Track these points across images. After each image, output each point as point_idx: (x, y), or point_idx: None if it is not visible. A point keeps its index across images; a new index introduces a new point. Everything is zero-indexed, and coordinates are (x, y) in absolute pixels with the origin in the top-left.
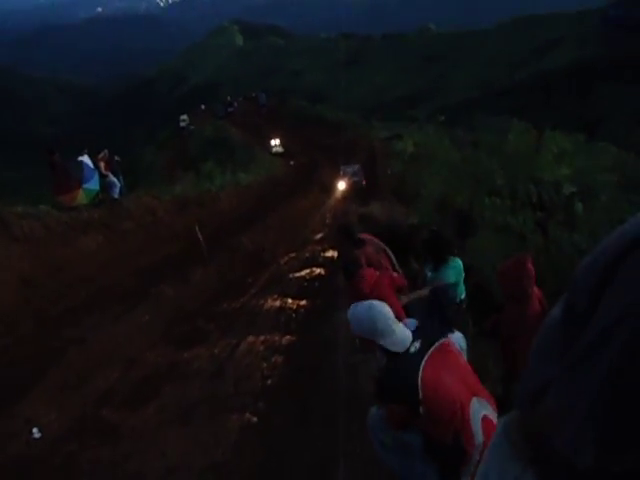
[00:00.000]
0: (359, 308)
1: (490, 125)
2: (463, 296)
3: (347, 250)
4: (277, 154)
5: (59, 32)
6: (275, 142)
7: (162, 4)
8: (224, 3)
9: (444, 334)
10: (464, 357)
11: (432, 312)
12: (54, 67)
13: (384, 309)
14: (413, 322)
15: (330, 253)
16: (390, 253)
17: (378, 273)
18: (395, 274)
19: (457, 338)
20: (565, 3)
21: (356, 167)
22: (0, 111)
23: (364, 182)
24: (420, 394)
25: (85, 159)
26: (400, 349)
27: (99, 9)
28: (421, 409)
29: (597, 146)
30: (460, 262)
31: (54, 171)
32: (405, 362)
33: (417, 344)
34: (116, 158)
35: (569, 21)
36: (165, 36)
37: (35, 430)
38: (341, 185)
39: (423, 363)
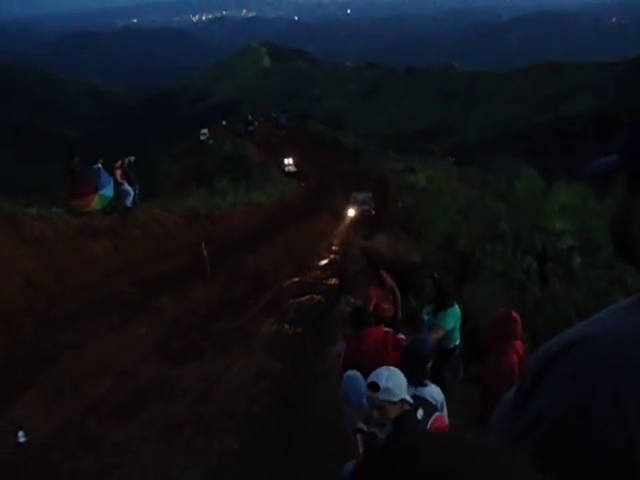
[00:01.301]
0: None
1: (504, 166)
2: (458, 342)
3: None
4: (290, 173)
5: (93, 38)
6: (288, 161)
7: (195, 20)
8: (255, 25)
9: (413, 386)
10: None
11: (404, 363)
12: (84, 71)
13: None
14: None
15: (332, 281)
16: (397, 294)
17: (386, 332)
18: (401, 335)
19: (430, 391)
20: (585, 54)
21: (367, 195)
22: (27, 110)
23: (374, 212)
24: None
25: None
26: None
27: (134, 20)
28: None
29: (605, 200)
30: (458, 310)
31: (72, 175)
32: (414, 426)
33: (421, 411)
34: (131, 159)
35: (588, 71)
36: (194, 51)
37: (21, 434)
38: (351, 212)
39: (428, 429)
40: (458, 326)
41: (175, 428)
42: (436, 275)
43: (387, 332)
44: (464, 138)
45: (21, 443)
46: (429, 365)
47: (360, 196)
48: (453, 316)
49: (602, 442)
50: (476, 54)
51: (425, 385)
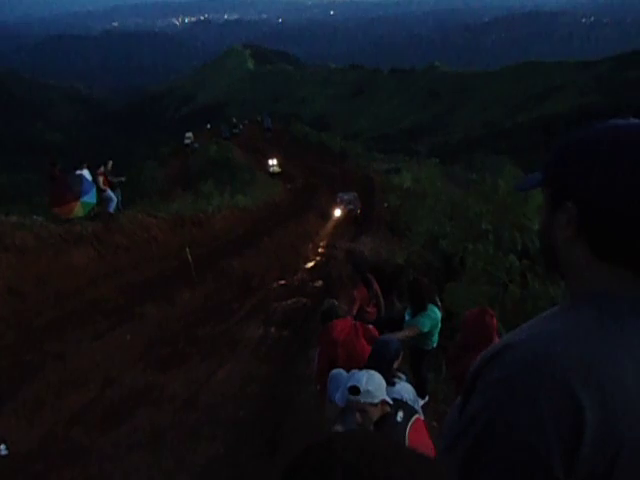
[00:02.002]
0: (359, 376)
1: (488, 165)
2: (435, 344)
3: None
4: (274, 173)
5: (74, 42)
6: (272, 162)
7: (178, 24)
8: (238, 27)
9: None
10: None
11: (369, 365)
12: (65, 75)
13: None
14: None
15: (319, 283)
16: (381, 299)
17: (354, 323)
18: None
19: (399, 390)
20: (566, 53)
21: (353, 195)
22: (7, 115)
23: (359, 211)
24: None
25: (85, 173)
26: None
27: (115, 23)
28: None
29: None
30: (437, 313)
31: (53, 182)
32: (393, 428)
33: (401, 414)
34: (109, 163)
35: (570, 70)
36: (178, 55)
37: (2, 447)
38: (337, 212)
39: (407, 432)
40: (436, 329)
41: (161, 435)
42: (411, 278)
43: (355, 323)
44: (449, 138)
45: (3, 456)
46: (395, 365)
47: (346, 196)
48: (429, 318)
49: (522, 445)
50: (459, 54)
51: (393, 384)
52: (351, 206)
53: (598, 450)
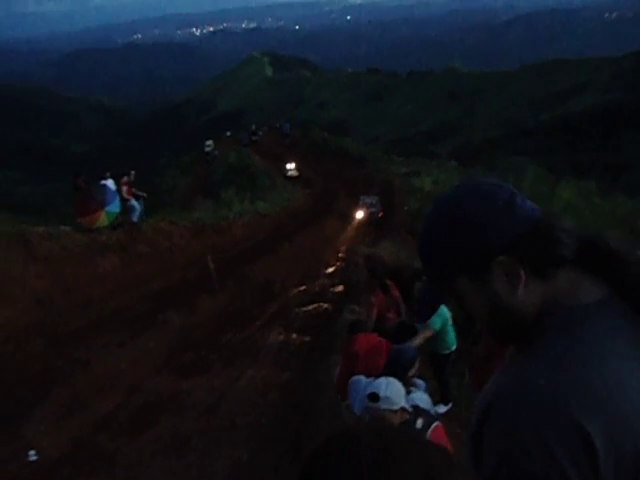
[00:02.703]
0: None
1: (510, 166)
2: (454, 347)
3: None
4: (292, 177)
5: (97, 55)
6: (290, 166)
7: (197, 34)
8: (256, 36)
9: None
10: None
11: (385, 373)
12: (90, 88)
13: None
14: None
15: (339, 289)
16: (401, 304)
17: (380, 339)
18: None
19: (414, 398)
20: (588, 50)
21: (375, 199)
22: (35, 128)
23: (381, 214)
24: None
25: (109, 183)
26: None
27: (138, 35)
28: None
29: (611, 197)
30: (445, 310)
31: (79, 193)
32: None
33: (420, 421)
34: (132, 173)
35: (593, 67)
36: (197, 65)
37: (32, 453)
38: (359, 214)
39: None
40: (451, 330)
41: (184, 442)
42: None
43: (381, 339)
44: (469, 139)
45: (32, 462)
46: (410, 373)
47: (368, 199)
48: (437, 316)
49: None
50: (478, 55)
51: (409, 392)
52: (373, 209)
53: (617, 469)
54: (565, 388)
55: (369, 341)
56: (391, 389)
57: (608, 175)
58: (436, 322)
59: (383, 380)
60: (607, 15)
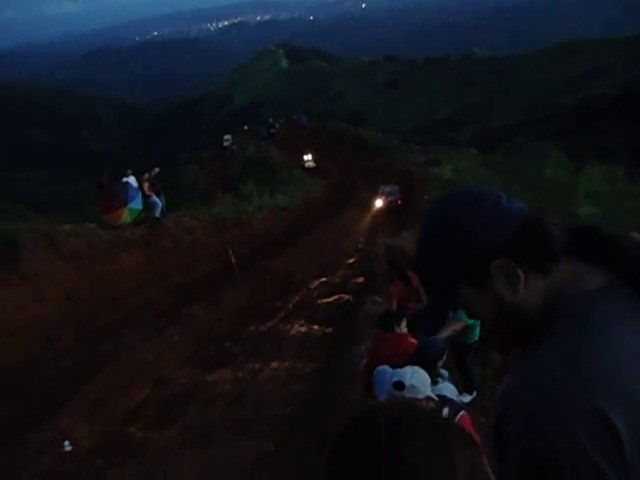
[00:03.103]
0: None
1: (531, 151)
2: (477, 338)
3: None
4: (309, 169)
5: (115, 54)
6: (307, 157)
7: (212, 29)
8: (271, 28)
9: None
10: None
11: (411, 362)
12: (110, 86)
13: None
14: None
15: (360, 279)
16: (422, 295)
17: (410, 341)
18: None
19: (441, 389)
20: (612, 29)
21: (394, 187)
22: (58, 128)
23: (400, 202)
24: None
25: (131, 180)
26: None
27: (155, 33)
28: None
29: (637, 182)
30: None
31: (102, 191)
32: None
33: (446, 410)
34: (156, 170)
35: (617, 47)
36: (213, 59)
37: (67, 443)
38: (379, 203)
39: None
40: (477, 321)
41: (211, 432)
42: None
43: (411, 343)
44: (489, 125)
45: (67, 452)
46: (439, 364)
47: (387, 188)
48: None
49: (575, 476)
50: (498, 38)
51: (436, 383)
52: (392, 197)
53: (638, 457)
54: (582, 375)
55: (396, 342)
56: (417, 378)
57: (636, 160)
58: (464, 315)
59: (408, 369)
60: None
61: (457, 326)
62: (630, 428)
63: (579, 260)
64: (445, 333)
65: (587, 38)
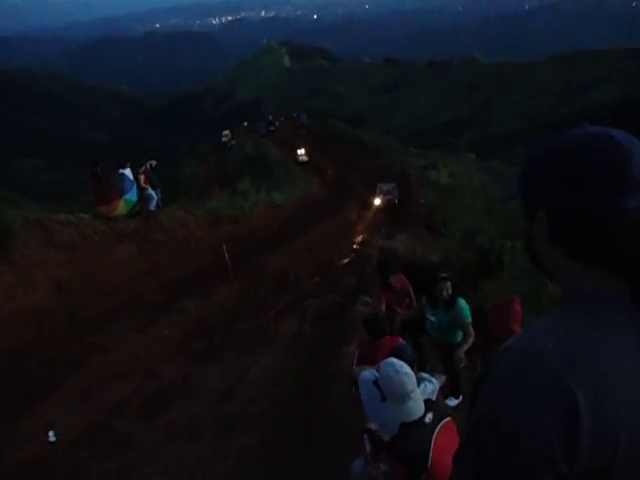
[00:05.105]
0: (389, 367)
1: None
2: (460, 339)
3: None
4: (302, 162)
5: (117, 44)
6: (301, 151)
7: (215, 23)
8: (275, 25)
9: None
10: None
11: None
12: (109, 77)
13: (412, 377)
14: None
15: (353, 280)
16: (413, 299)
17: (401, 342)
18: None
19: (425, 391)
20: (613, 40)
21: (392, 186)
22: (56, 116)
23: (397, 201)
24: (429, 462)
25: (127, 172)
26: (409, 418)
27: (157, 25)
28: (424, 476)
29: None
30: (464, 301)
31: (98, 182)
32: (420, 430)
33: (430, 415)
34: (152, 163)
35: (617, 58)
36: (216, 54)
37: (51, 434)
38: (377, 201)
39: (435, 434)
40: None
41: (197, 427)
42: (445, 275)
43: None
44: (488, 131)
45: (52, 442)
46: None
47: (385, 187)
48: (467, 308)
49: (527, 441)
50: (500, 45)
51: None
52: (389, 196)
53: (597, 443)
54: (568, 357)
55: (390, 344)
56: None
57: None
58: (468, 315)
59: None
60: (635, 3)
61: (469, 340)
62: (594, 416)
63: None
64: (464, 348)
65: (588, 49)
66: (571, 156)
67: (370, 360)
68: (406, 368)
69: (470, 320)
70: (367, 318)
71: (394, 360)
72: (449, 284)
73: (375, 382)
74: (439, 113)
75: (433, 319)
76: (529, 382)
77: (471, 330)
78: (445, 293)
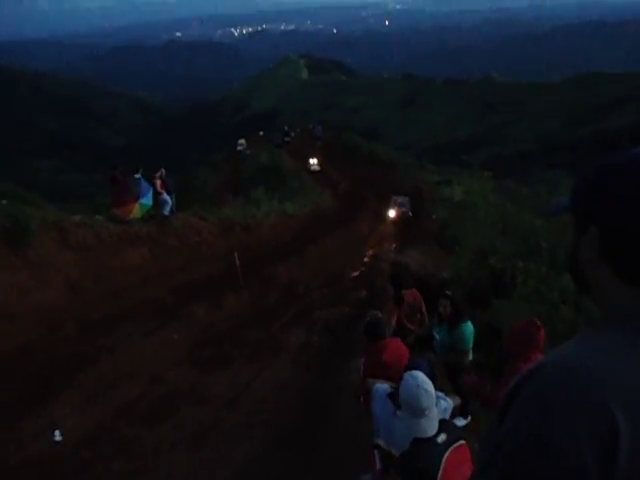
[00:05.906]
0: (412, 380)
1: (544, 179)
2: (471, 358)
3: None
4: (314, 172)
5: (139, 52)
6: (313, 161)
7: (236, 34)
8: (294, 38)
9: None
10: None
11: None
12: (130, 83)
13: (432, 396)
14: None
15: (363, 293)
16: (425, 315)
17: (400, 343)
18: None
19: (440, 410)
20: (632, 65)
21: (406, 199)
22: (77, 121)
23: (410, 213)
24: None
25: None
26: (422, 435)
27: (178, 34)
28: None
29: None
30: (471, 325)
31: (115, 184)
32: (431, 448)
33: (443, 437)
34: (163, 171)
35: (635, 82)
36: (235, 64)
37: (57, 433)
38: (391, 213)
39: (446, 455)
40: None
41: (202, 433)
42: (449, 292)
43: (402, 344)
44: (503, 150)
45: (57, 442)
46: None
47: (399, 199)
48: (471, 334)
49: (560, 458)
50: (517, 65)
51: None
52: (404, 208)
53: (633, 464)
54: (608, 377)
55: (395, 347)
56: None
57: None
58: (470, 340)
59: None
60: None
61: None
62: (635, 440)
63: None
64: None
65: (606, 71)
66: (633, 173)
67: (375, 362)
68: (428, 385)
69: (469, 347)
70: (366, 324)
71: (419, 374)
72: (448, 302)
73: (389, 395)
74: (455, 130)
75: (438, 337)
76: (569, 396)
77: (467, 358)
78: (442, 310)
